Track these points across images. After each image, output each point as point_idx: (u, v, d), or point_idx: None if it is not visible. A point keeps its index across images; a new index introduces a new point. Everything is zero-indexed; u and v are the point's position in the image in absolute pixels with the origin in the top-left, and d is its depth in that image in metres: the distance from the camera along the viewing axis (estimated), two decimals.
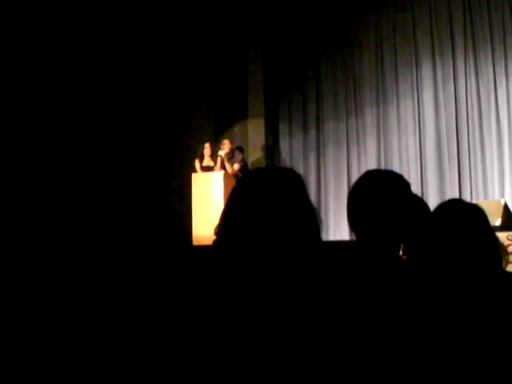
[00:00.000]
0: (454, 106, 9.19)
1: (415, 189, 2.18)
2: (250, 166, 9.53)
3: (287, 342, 1.55)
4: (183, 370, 1.64)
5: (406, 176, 2.18)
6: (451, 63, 9.28)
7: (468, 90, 9.15)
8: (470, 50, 9.18)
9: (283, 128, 10.57)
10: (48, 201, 6.93)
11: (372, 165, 9.58)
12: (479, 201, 8.33)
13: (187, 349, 1.64)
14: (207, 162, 9.21)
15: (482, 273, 1.95)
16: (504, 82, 8.85)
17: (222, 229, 1.73)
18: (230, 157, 9.09)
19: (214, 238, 1.77)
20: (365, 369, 1.74)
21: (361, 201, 2.06)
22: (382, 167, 9.36)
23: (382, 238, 1.99)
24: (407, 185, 2.10)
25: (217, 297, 1.64)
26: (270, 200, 1.66)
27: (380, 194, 2.02)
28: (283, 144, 10.55)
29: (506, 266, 2.03)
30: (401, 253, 2.10)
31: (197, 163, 9.17)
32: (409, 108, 9.56)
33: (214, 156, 9.20)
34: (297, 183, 1.72)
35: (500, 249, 2.02)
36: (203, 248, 6.69)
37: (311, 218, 1.69)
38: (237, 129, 10.25)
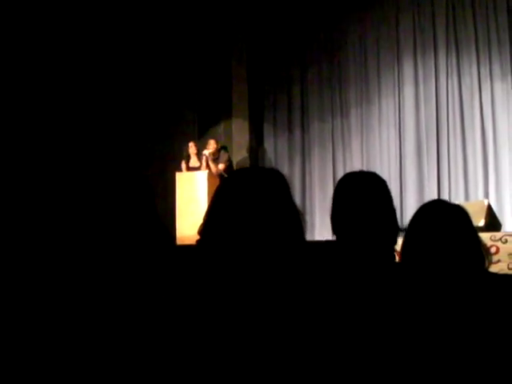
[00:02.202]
0: (434, 106, 9.22)
1: (394, 187, 2.22)
2: (234, 167, 9.52)
3: (272, 341, 1.55)
4: (165, 371, 1.63)
5: (385, 175, 2.22)
6: (433, 63, 9.30)
7: (449, 90, 9.18)
8: (453, 49, 9.20)
9: (268, 128, 10.56)
10: (29, 199, 6.89)
11: (357, 165, 9.59)
12: (461, 201, 8.38)
13: (171, 348, 1.64)
14: (193, 162, 9.19)
15: (465, 273, 1.95)
16: (489, 82, 8.88)
17: (206, 228, 1.72)
18: (216, 157, 9.08)
19: (198, 237, 1.76)
20: (347, 367, 1.75)
21: (339, 206, 2.10)
22: (365, 167, 9.40)
23: (361, 237, 2.02)
24: (382, 182, 2.13)
25: (200, 296, 1.64)
26: (253, 200, 1.66)
27: (355, 197, 2.06)
28: (268, 144, 10.54)
29: (489, 266, 2.04)
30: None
31: (183, 163, 9.15)
32: (390, 107, 9.58)
33: (199, 155, 9.18)
34: (281, 183, 1.72)
35: (483, 249, 2.03)
36: (186, 247, 6.66)
37: (295, 218, 1.69)
38: (221, 129, 10.23)
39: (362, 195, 2.09)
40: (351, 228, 2.06)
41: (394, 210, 2.14)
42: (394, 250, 2.10)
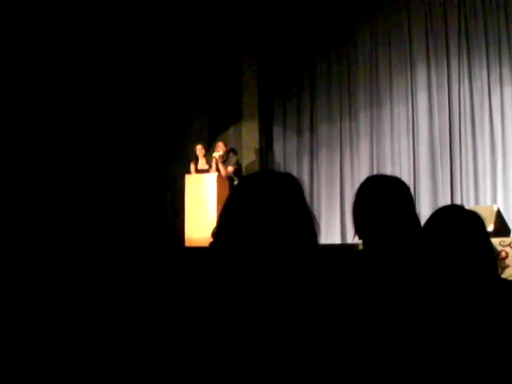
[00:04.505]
0: (447, 111, 9.23)
1: None
2: (243, 169, 9.55)
3: (284, 345, 1.55)
4: (174, 373, 1.64)
5: None
6: (445, 68, 9.31)
7: (461, 95, 9.19)
8: (465, 55, 9.22)
9: (277, 130, 10.57)
10: (40, 198, 6.90)
11: (365, 169, 9.60)
12: (471, 205, 8.36)
13: (181, 351, 1.64)
14: (202, 164, 9.21)
15: (478, 279, 1.95)
16: (498, 87, 8.89)
17: (219, 231, 1.72)
18: (225, 160, 9.11)
19: (209, 239, 1.76)
20: (361, 371, 1.75)
21: (367, 208, 2.09)
22: (375, 171, 9.40)
23: (388, 242, 2.02)
24: (407, 188, 2.14)
25: (211, 299, 1.64)
26: (267, 204, 1.66)
27: (387, 200, 2.06)
28: (277, 146, 10.55)
29: (501, 273, 2.04)
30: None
31: (192, 166, 9.17)
32: (402, 112, 9.58)
33: (208, 156, 9.21)
34: (294, 188, 1.72)
35: (496, 256, 2.03)
36: (195, 249, 6.68)
37: (308, 223, 1.69)
38: (231, 131, 10.25)
39: (389, 199, 2.09)
40: (377, 231, 2.06)
41: (416, 215, 2.14)
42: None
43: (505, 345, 1.85)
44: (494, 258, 2.00)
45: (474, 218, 2.03)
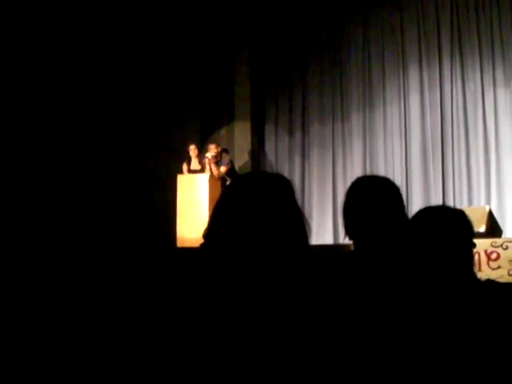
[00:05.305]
0: (439, 112, 9.24)
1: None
2: (237, 169, 9.56)
3: (275, 346, 1.55)
4: (165, 373, 1.63)
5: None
6: (438, 69, 9.33)
7: (454, 96, 9.21)
8: (457, 56, 9.23)
9: (269, 131, 10.56)
10: (28, 196, 6.89)
11: (357, 169, 9.61)
12: (463, 206, 8.37)
13: (170, 352, 1.64)
14: (195, 165, 9.22)
15: (452, 280, 1.96)
16: (491, 89, 8.90)
17: (210, 232, 1.72)
18: (217, 160, 9.11)
19: (201, 240, 1.76)
20: (351, 370, 1.75)
21: (357, 208, 2.10)
22: (368, 171, 9.41)
23: (378, 243, 2.02)
24: (397, 189, 2.15)
25: (201, 299, 1.64)
26: (258, 205, 1.66)
27: (377, 200, 2.07)
28: (269, 147, 10.55)
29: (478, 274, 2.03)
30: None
31: (184, 166, 9.18)
32: (395, 113, 9.59)
33: (200, 157, 9.22)
34: (285, 189, 1.73)
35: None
36: (187, 250, 6.68)
37: (299, 224, 1.70)
38: (223, 131, 10.25)
39: (379, 200, 2.10)
40: (367, 232, 2.07)
41: (406, 216, 2.15)
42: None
43: (482, 345, 1.86)
44: (471, 259, 1.99)
45: (456, 218, 2.03)
